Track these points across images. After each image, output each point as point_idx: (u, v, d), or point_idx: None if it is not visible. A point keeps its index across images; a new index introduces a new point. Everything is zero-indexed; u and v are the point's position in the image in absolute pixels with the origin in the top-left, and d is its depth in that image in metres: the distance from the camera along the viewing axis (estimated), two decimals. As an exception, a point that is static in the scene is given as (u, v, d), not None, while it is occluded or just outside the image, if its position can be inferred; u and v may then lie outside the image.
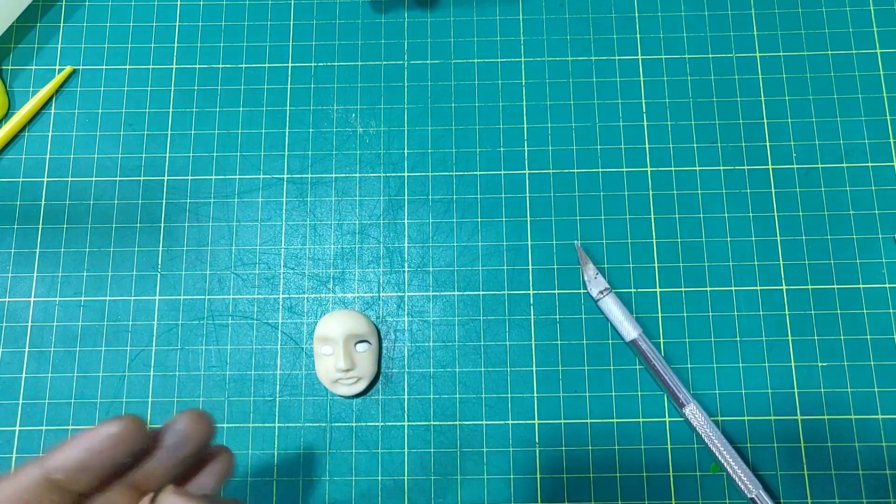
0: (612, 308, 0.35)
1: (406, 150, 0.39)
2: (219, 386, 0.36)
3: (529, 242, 0.37)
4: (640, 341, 0.35)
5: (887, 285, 0.37)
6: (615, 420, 0.35)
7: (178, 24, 0.41)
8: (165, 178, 0.39)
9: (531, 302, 0.37)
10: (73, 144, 0.39)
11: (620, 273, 0.37)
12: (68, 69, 0.40)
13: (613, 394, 0.36)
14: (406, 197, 0.38)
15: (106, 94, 0.40)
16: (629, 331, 0.35)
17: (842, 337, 0.36)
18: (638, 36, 0.40)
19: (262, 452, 0.35)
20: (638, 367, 0.36)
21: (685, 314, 0.36)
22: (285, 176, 0.39)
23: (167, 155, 0.39)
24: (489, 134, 0.39)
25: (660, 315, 0.36)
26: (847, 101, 0.39)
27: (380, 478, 0.35)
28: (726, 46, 0.40)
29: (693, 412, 0.34)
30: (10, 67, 0.40)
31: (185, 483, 0.23)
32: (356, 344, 0.35)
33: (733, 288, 0.37)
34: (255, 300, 0.37)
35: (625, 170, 0.38)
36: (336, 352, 0.34)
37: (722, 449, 0.33)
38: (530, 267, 0.37)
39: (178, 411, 0.36)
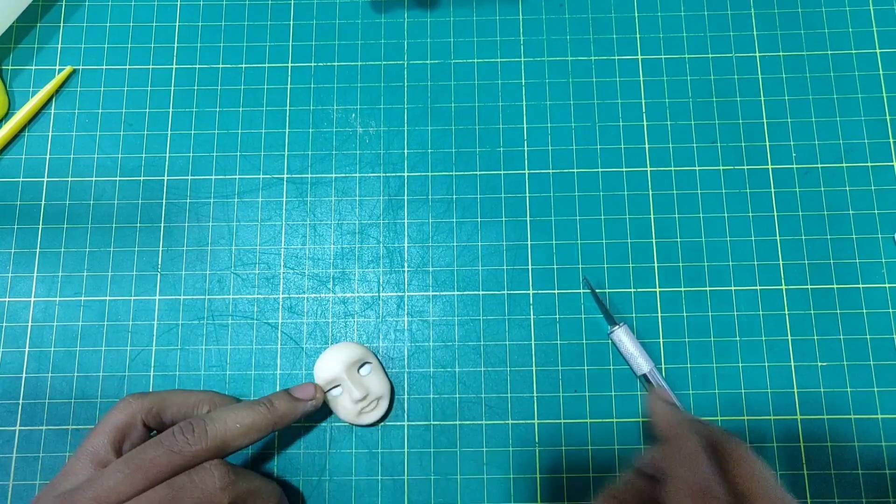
0: (625, 341, 0.35)
1: (406, 150, 0.39)
2: (219, 386, 0.36)
3: (529, 242, 0.37)
4: (650, 377, 0.34)
5: (887, 285, 0.37)
6: (615, 420, 0.35)
7: (178, 24, 0.41)
8: (165, 178, 0.39)
9: (531, 302, 0.37)
10: (73, 144, 0.39)
11: (620, 273, 0.37)
12: (68, 69, 0.40)
13: (613, 394, 0.36)
14: (406, 197, 0.38)
15: (106, 94, 0.40)
16: (641, 365, 0.35)
17: (841, 337, 0.36)
18: (638, 36, 0.40)
19: (263, 452, 0.35)
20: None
21: (685, 314, 0.36)
22: (285, 176, 0.39)
23: (167, 155, 0.39)
24: (489, 134, 0.39)
25: (659, 315, 0.36)
26: (847, 101, 0.39)
27: (380, 478, 0.35)
28: (726, 46, 0.40)
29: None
30: (10, 67, 0.40)
31: None
32: (359, 369, 0.35)
33: (733, 288, 0.37)
34: (255, 300, 0.37)
35: (624, 170, 0.38)
36: (345, 386, 0.34)
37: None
38: (530, 267, 0.37)
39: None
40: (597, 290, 0.36)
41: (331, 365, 0.34)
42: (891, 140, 0.39)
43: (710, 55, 0.40)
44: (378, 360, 0.36)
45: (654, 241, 0.37)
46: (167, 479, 0.28)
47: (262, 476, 0.31)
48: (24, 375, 0.36)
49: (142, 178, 0.39)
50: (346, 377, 0.34)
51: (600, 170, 0.38)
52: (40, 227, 0.38)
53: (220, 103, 0.39)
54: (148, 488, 0.27)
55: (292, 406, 0.32)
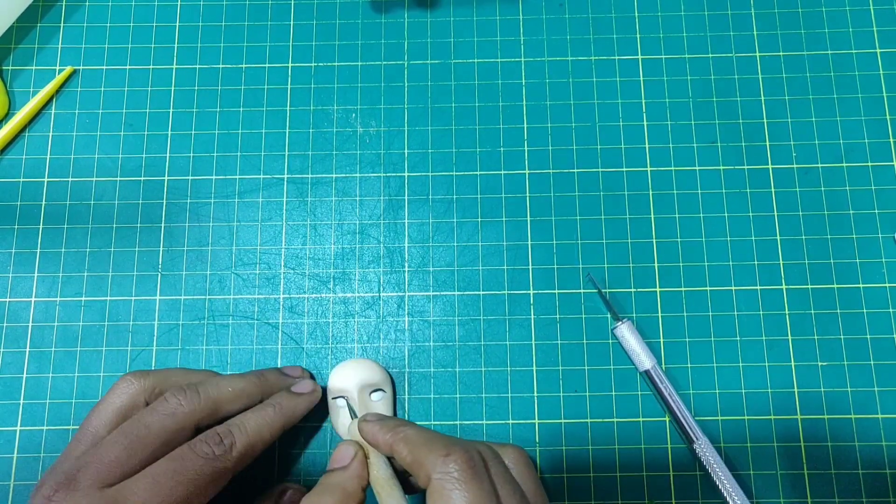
0: (628, 337, 0.35)
1: (406, 150, 0.39)
2: (219, 386, 0.36)
3: (529, 242, 0.37)
4: (652, 372, 0.35)
5: (887, 285, 0.37)
6: (615, 420, 0.35)
7: (178, 24, 0.41)
8: (166, 178, 0.39)
9: (531, 302, 0.37)
10: (74, 145, 0.39)
11: (620, 273, 0.37)
12: (68, 69, 0.40)
13: (613, 394, 0.36)
14: (406, 197, 0.38)
15: (106, 94, 0.40)
16: (643, 361, 0.35)
17: (842, 336, 0.36)
18: (638, 36, 0.40)
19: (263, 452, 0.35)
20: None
21: (685, 314, 0.37)
22: (285, 176, 0.39)
23: (167, 155, 0.39)
24: (489, 134, 0.39)
25: (660, 315, 0.37)
26: (847, 101, 0.39)
27: (380, 477, 0.35)
28: (726, 46, 0.40)
29: (702, 449, 0.33)
30: (10, 68, 0.40)
31: None
32: (371, 393, 0.34)
33: (733, 287, 0.37)
34: (255, 300, 0.37)
35: (625, 170, 0.38)
36: (350, 404, 0.33)
37: (729, 488, 0.33)
38: (530, 267, 0.37)
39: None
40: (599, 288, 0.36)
41: (345, 378, 0.34)
42: (891, 140, 0.39)
43: (710, 55, 0.40)
44: (393, 390, 0.35)
45: (654, 241, 0.37)
46: (166, 445, 0.28)
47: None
48: (24, 376, 0.36)
49: (142, 179, 0.39)
50: (354, 396, 0.34)
51: (600, 170, 0.38)
52: (41, 227, 0.38)
53: (221, 103, 0.39)
54: (149, 458, 0.27)
55: (281, 380, 0.33)
